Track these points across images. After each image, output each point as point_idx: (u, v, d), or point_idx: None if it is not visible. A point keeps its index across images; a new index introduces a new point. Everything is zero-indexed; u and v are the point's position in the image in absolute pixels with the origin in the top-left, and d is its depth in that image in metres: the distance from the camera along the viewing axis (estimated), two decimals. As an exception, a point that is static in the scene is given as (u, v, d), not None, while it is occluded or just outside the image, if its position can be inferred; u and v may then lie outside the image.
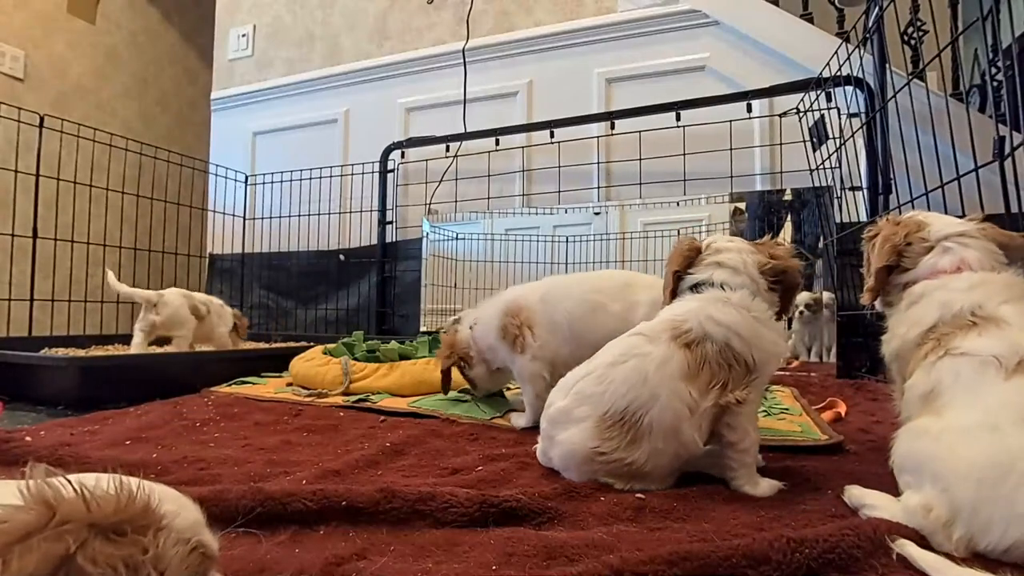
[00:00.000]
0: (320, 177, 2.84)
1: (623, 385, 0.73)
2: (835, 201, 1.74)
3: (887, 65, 1.62)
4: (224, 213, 3.00)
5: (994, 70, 1.74)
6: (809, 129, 1.83)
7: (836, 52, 1.61)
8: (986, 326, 0.64)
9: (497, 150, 2.42)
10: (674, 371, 0.72)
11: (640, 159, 2.20)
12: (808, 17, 2.08)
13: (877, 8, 1.53)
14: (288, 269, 2.88)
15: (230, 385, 1.62)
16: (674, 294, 0.82)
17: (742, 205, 2.14)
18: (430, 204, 2.60)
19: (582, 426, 0.75)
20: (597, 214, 2.37)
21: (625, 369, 0.74)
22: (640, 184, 2.22)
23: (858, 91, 1.69)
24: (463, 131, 2.49)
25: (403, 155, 2.68)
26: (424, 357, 1.62)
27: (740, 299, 0.76)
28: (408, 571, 0.51)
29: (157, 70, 3.81)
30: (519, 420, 1.15)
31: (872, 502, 0.63)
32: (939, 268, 0.73)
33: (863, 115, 1.67)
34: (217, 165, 2.96)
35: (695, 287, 0.80)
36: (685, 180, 2.13)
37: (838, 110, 1.71)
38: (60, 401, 1.40)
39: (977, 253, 0.72)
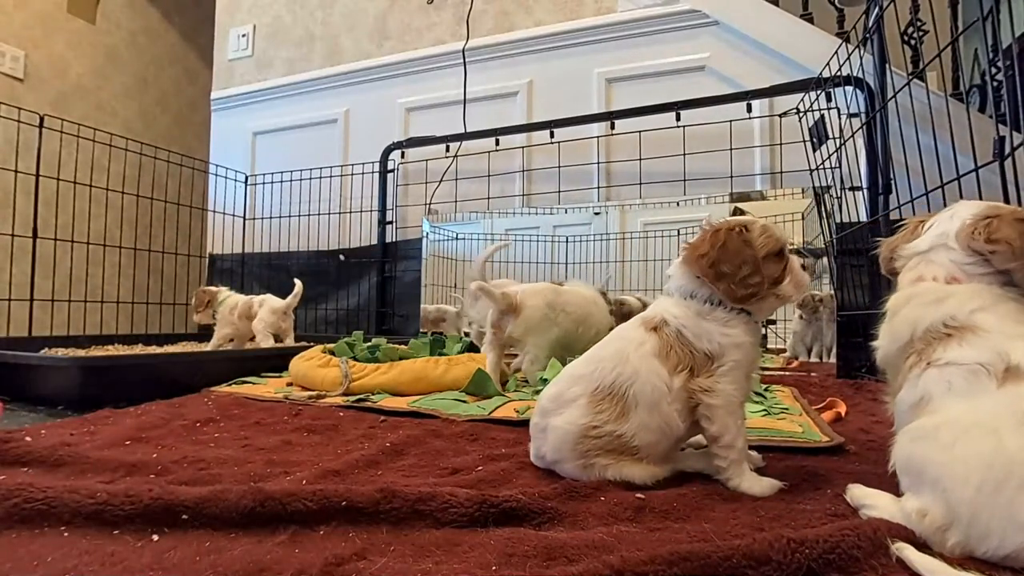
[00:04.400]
0: (320, 177, 2.84)
1: (610, 362, 0.78)
2: (835, 201, 1.74)
3: (887, 65, 1.62)
4: (224, 213, 3.00)
5: (994, 70, 1.74)
6: (809, 129, 1.83)
7: (836, 52, 1.61)
8: (964, 335, 0.63)
9: (497, 150, 2.42)
10: (649, 350, 0.78)
11: (640, 159, 2.21)
12: (808, 17, 2.08)
13: (877, 8, 1.53)
14: (288, 269, 2.89)
15: (230, 385, 1.62)
16: None
17: (743, 205, 2.14)
18: (430, 204, 2.60)
19: (575, 404, 0.78)
20: (597, 214, 2.37)
21: (610, 350, 0.80)
22: (640, 184, 2.23)
23: (858, 91, 1.69)
24: (463, 131, 2.49)
25: (403, 155, 2.68)
26: (424, 357, 1.63)
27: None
28: (408, 571, 0.51)
29: (157, 70, 3.82)
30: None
31: (872, 502, 0.63)
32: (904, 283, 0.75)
33: (863, 115, 1.67)
34: (217, 165, 2.96)
35: None
36: (685, 180, 2.13)
37: (838, 110, 1.71)
38: (60, 401, 1.40)
39: (940, 270, 0.71)
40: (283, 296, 2.18)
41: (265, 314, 2.11)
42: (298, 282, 2.16)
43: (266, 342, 2.09)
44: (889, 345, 0.72)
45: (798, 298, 0.82)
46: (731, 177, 2.07)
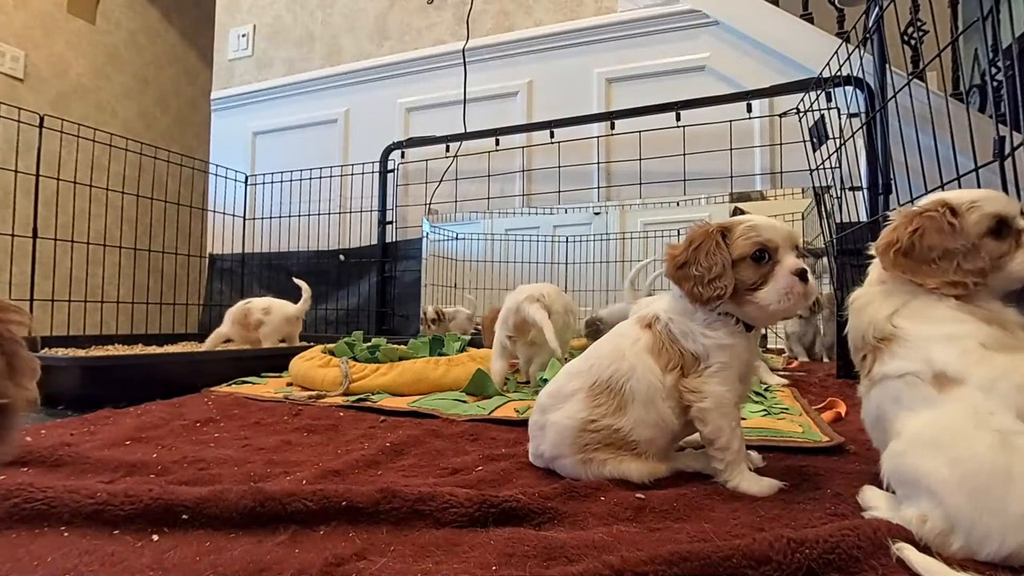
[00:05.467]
0: (320, 177, 2.84)
1: (607, 359, 0.79)
2: (835, 201, 1.74)
3: (887, 65, 1.62)
4: (224, 213, 3.00)
5: (994, 70, 1.73)
6: (809, 129, 1.83)
7: (836, 52, 1.61)
8: (891, 346, 0.64)
9: (497, 150, 2.42)
10: (643, 347, 0.78)
11: (640, 159, 2.21)
12: (808, 17, 2.08)
13: (877, 8, 1.53)
14: (288, 269, 2.89)
15: (230, 385, 1.62)
16: None
17: (743, 205, 2.14)
18: (430, 204, 2.60)
19: (574, 399, 0.79)
20: (597, 214, 2.37)
21: (608, 347, 0.81)
22: (640, 184, 2.23)
23: (858, 91, 1.69)
24: (463, 131, 2.49)
25: (403, 155, 2.68)
26: (424, 358, 1.62)
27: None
28: (408, 571, 0.51)
29: (157, 70, 3.81)
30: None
31: (877, 504, 0.63)
32: None
33: (863, 115, 1.67)
34: (217, 165, 2.96)
35: None
36: (685, 180, 2.13)
37: (838, 110, 1.71)
38: (60, 401, 1.40)
39: (876, 271, 0.73)
40: (283, 296, 2.17)
41: (279, 323, 2.10)
42: (305, 286, 2.15)
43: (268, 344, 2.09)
44: (852, 355, 0.74)
45: (786, 309, 0.75)
46: (731, 177, 2.07)
